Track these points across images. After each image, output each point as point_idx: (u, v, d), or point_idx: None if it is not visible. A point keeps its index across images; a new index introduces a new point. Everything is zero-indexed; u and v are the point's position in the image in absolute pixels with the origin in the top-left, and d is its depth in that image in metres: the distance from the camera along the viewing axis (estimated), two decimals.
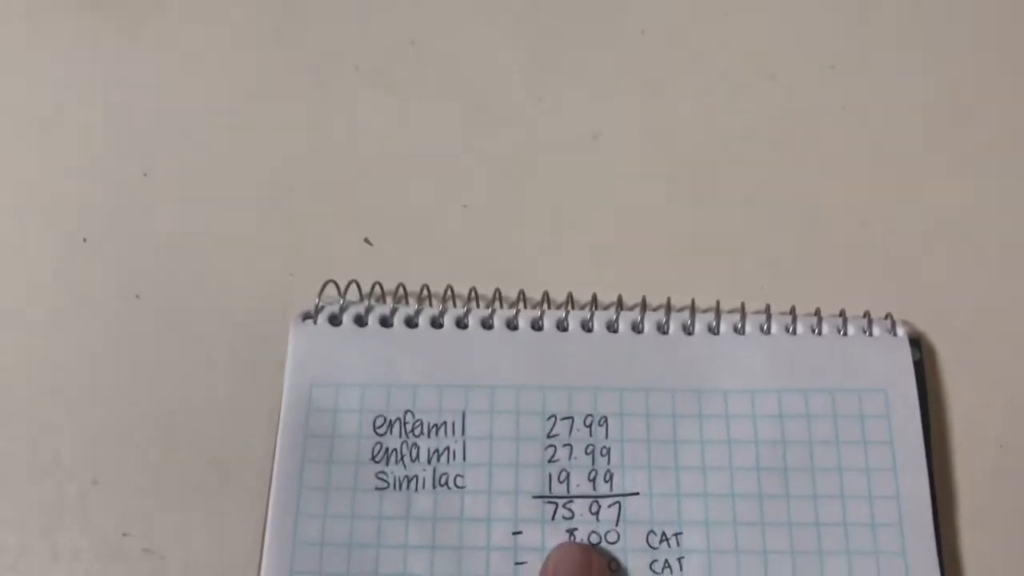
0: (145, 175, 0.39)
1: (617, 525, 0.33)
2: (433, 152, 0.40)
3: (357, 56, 0.42)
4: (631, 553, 0.33)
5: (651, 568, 0.33)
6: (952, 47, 0.42)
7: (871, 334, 0.36)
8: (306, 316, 0.36)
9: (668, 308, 0.36)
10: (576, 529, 0.33)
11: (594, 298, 0.37)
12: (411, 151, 0.40)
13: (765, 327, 0.36)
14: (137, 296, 0.37)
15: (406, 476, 0.34)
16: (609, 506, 0.33)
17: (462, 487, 0.33)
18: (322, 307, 0.36)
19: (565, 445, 0.34)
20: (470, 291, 0.37)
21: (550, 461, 0.34)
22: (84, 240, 0.38)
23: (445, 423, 0.34)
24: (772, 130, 0.40)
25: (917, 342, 0.36)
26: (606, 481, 0.34)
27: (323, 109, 0.41)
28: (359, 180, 0.39)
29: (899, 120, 0.41)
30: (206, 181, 0.39)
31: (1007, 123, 0.40)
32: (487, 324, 0.36)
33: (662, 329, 0.36)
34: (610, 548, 0.33)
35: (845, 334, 0.36)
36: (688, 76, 0.41)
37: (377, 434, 0.34)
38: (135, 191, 0.39)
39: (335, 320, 0.36)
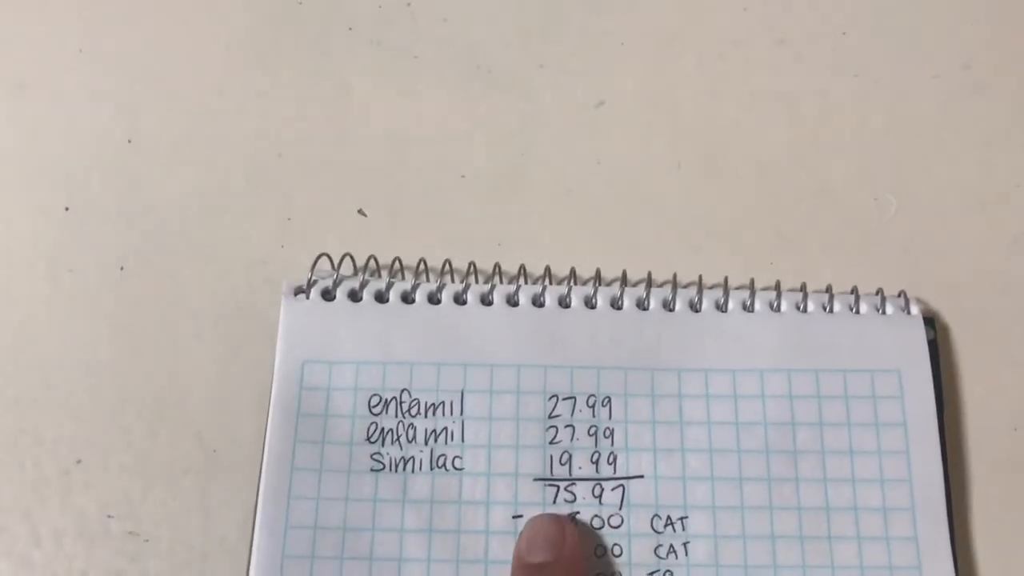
0: (129, 142, 0.38)
1: (621, 509, 0.32)
2: (430, 120, 0.38)
3: (351, 17, 0.40)
4: (635, 538, 0.32)
5: (655, 553, 0.32)
6: (966, 15, 0.40)
7: (884, 312, 0.34)
8: (298, 290, 0.34)
9: (674, 284, 0.35)
10: (578, 512, 0.32)
11: (598, 273, 0.35)
12: (407, 118, 0.38)
13: (775, 304, 0.35)
14: (121, 268, 0.36)
15: (402, 457, 0.32)
16: (612, 489, 0.32)
17: (460, 469, 0.32)
18: (315, 281, 0.34)
19: (567, 426, 0.33)
20: (469, 265, 0.35)
21: (551, 442, 0.33)
22: (66, 209, 0.37)
23: (443, 403, 0.33)
24: (782, 98, 0.39)
25: (931, 321, 0.35)
26: (609, 463, 0.33)
27: (315, 72, 0.39)
28: (353, 148, 0.38)
29: (913, 89, 0.39)
30: (193, 148, 0.38)
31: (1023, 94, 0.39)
32: (486, 300, 0.34)
33: (668, 306, 0.34)
34: (613, 532, 0.32)
35: (857, 312, 0.34)
36: (695, 42, 0.40)
37: (372, 414, 0.33)
38: (119, 158, 0.38)
39: (328, 295, 0.34)
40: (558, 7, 0.40)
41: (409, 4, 0.40)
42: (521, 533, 0.31)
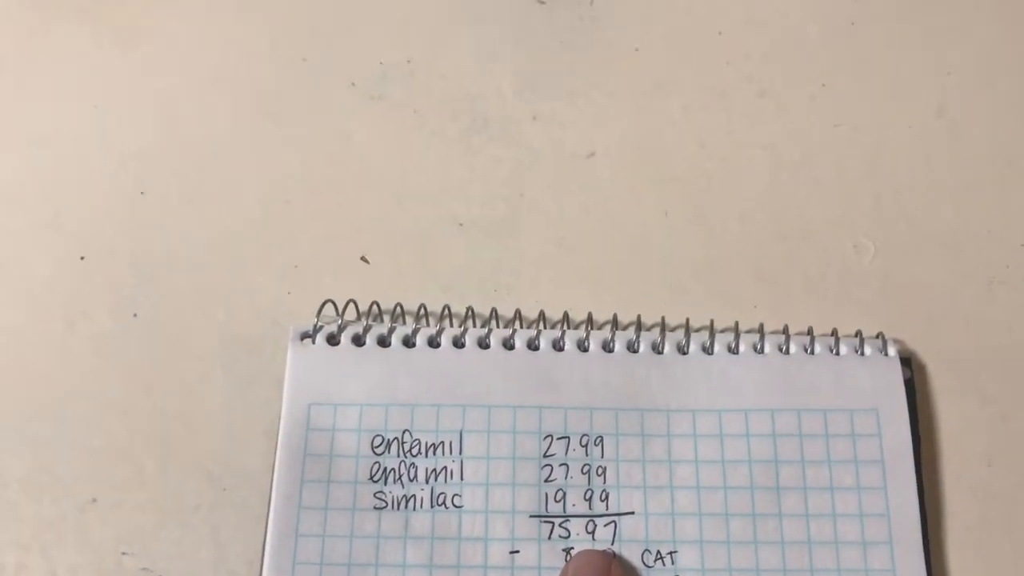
0: (142, 193, 0.40)
1: (613, 544, 0.34)
2: (429, 170, 0.40)
3: (353, 73, 0.42)
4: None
5: None
6: (938, 67, 0.42)
7: (863, 353, 0.36)
8: (304, 335, 0.36)
9: (663, 328, 0.36)
10: (572, 548, 0.34)
11: (589, 317, 0.37)
12: (407, 169, 0.40)
13: (759, 346, 0.36)
14: (135, 315, 0.38)
15: (404, 496, 0.34)
16: (605, 525, 0.34)
17: (460, 507, 0.34)
18: (320, 326, 0.36)
19: (561, 465, 0.34)
20: (467, 310, 0.37)
21: (546, 481, 0.34)
22: (82, 258, 0.38)
23: (443, 443, 0.35)
24: (764, 148, 0.41)
25: (908, 361, 0.37)
26: (602, 500, 0.34)
27: (320, 126, 0.41)
28: (356, 198, 0.40)
29: (889, 137, 0.41)
30: (203, 199, 0.40)
31: (995, 141, 0.41)
32: (484, 344, 0.36)
33: (657, 349, 0.36)
34: None
35: (837, 353, 0.36)
36: (682, 94, 0.42)
37: (375, 454, 0.34)
38: (132, 209, 0.39)
39: (333, 340, 0.36)
40: (550, 63, 0.42)
41: (409, 61, 0.42)
42: (567, 564, 0.33)
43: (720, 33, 0.43)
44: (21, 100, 0.41)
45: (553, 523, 0.34)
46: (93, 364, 0.37)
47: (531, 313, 0.37)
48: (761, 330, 0.37)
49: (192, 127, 0.41)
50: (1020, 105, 0.42)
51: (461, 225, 0.39)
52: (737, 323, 0.37)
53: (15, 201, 0.39)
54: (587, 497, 0.34)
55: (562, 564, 0.33)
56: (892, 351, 0.36)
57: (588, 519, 0.34)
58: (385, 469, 0.34)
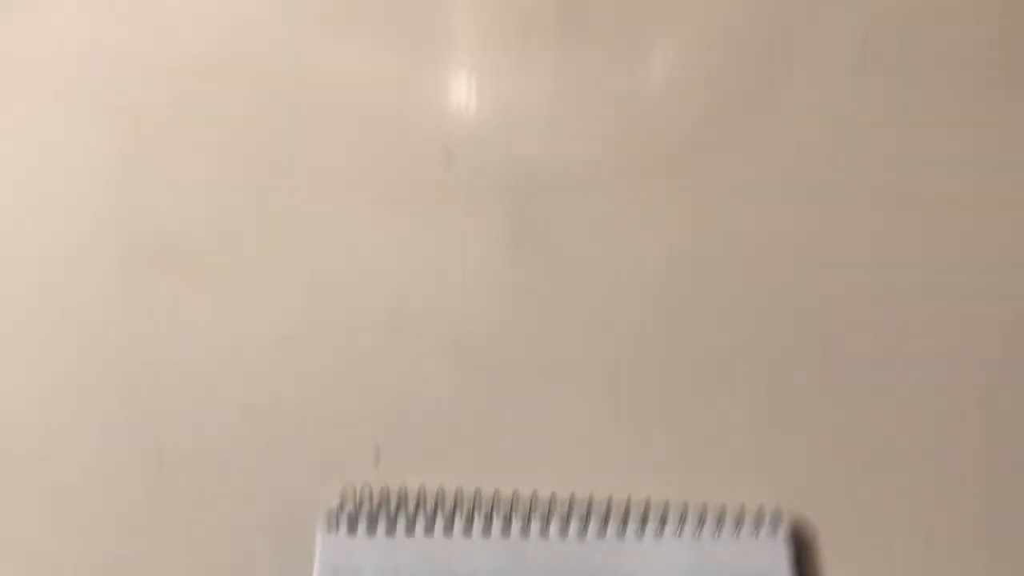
0: (192, 393, 0.50)
1: None
2: (424, 383, 0.51)
3: (369, 308, 0.53)
4: None
5: None
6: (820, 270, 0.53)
7: (763, 527, 0.47)
8: (329, 517, 0.47)
9: (608, 512, 0.47)
10: None
11: (552, 498, 0.48)
12: (406, 383, 0.51)
13: (680, 528, 0.47)
14: (200, 506, 0.48)
15: None
16: None
17: None
18: (342, 508, 0.47)
19: None
20: (456, 491, 0.48)
21: None
22: (159, 455, 0.49)
23: None
24: (686, 358, 0.51)
25: (800, 533, 0.47)
26: None
27: (340, 346, 0.51)
28: (371, 407, 0.50)
29: (776, 358, 0.52)
30: (247, 402, 0.50)
31: (877, 345, 0.52)
32: (467, 529, 0.47)
33: (601, 533, 0.47)
34: None
35: (741, 529, 0.47)
36: (629, 307, 0.52)
37: None
38: (192, 427, 0.50)
39: (352, 522, 0.47)
40: (523, 297, 0.53)
41: (412, 298, 0.53)
42: None
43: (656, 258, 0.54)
44: (102, 319, 0.52)
45: None
46: (162, 544, 0.47)
47: (508, 490, 0.48)
48: (684, 510, 0.47)
49: (236, 343, 0.51)
50: (895, 294, 0.52)
51: (449, 424, 0.50)
52: (667, 503, 0.47)
53: (74, 391, 0.50)
54: None
55: None
56: (785, 524, 0.47)
57: None
58: None
